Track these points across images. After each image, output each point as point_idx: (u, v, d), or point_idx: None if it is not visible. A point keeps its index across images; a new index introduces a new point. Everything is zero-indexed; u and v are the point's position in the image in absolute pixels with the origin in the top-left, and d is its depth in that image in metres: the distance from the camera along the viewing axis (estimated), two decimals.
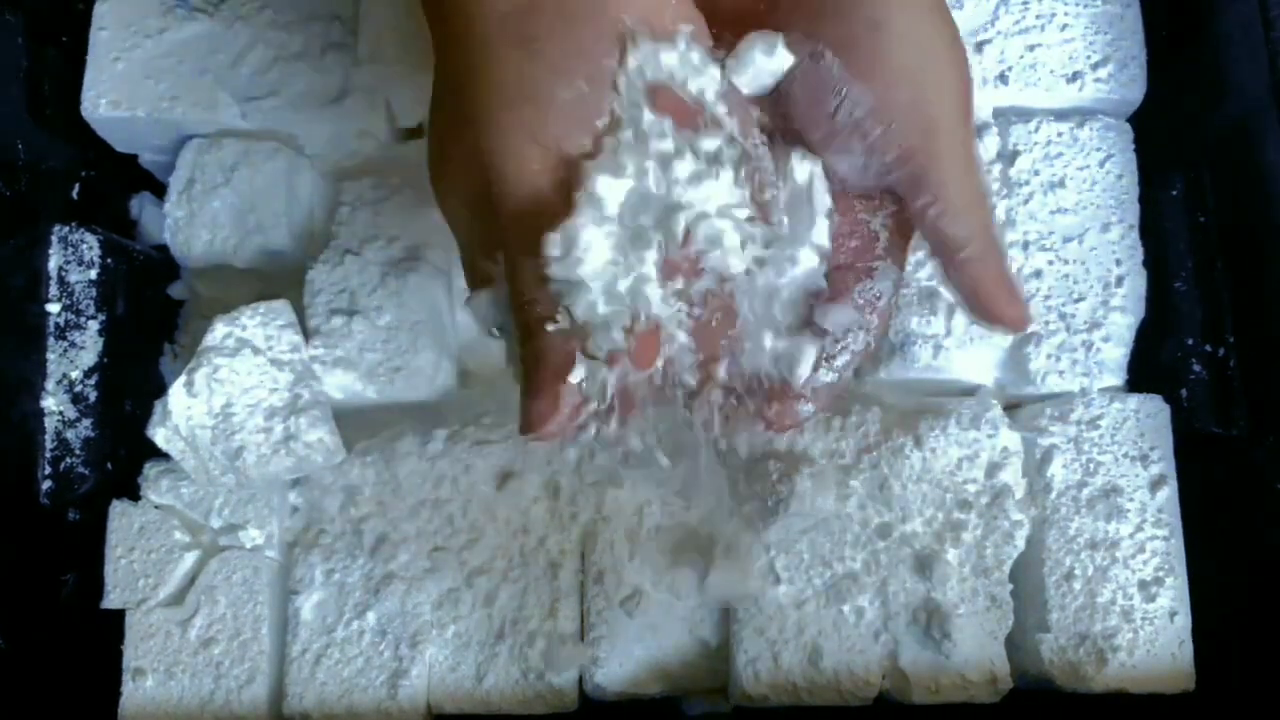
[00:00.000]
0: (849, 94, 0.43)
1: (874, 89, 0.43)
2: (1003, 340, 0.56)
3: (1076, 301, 0.56)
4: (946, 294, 0.55)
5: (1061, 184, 0.57)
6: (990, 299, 0.45)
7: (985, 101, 0.58)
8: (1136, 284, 0.56)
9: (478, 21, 0.41)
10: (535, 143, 0.40)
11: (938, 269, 0.47)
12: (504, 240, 0.41)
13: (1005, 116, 0.58)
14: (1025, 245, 0.57)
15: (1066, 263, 0.56)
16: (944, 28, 0.45)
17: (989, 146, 0.58)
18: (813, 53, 0.43)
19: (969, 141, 0.45)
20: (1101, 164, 0.57)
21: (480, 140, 0.40)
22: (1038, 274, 0.56)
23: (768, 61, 0.43)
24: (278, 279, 0.61)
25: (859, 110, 0.43)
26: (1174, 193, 0.58)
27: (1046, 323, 0.56)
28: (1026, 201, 0.57)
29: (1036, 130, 0.58)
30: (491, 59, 0.40)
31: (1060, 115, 0.58)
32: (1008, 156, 0.58)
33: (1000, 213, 0.57)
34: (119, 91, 0.60)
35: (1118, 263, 0.56)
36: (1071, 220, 0.57)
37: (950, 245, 0.45)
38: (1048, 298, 0.56)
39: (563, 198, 0.39)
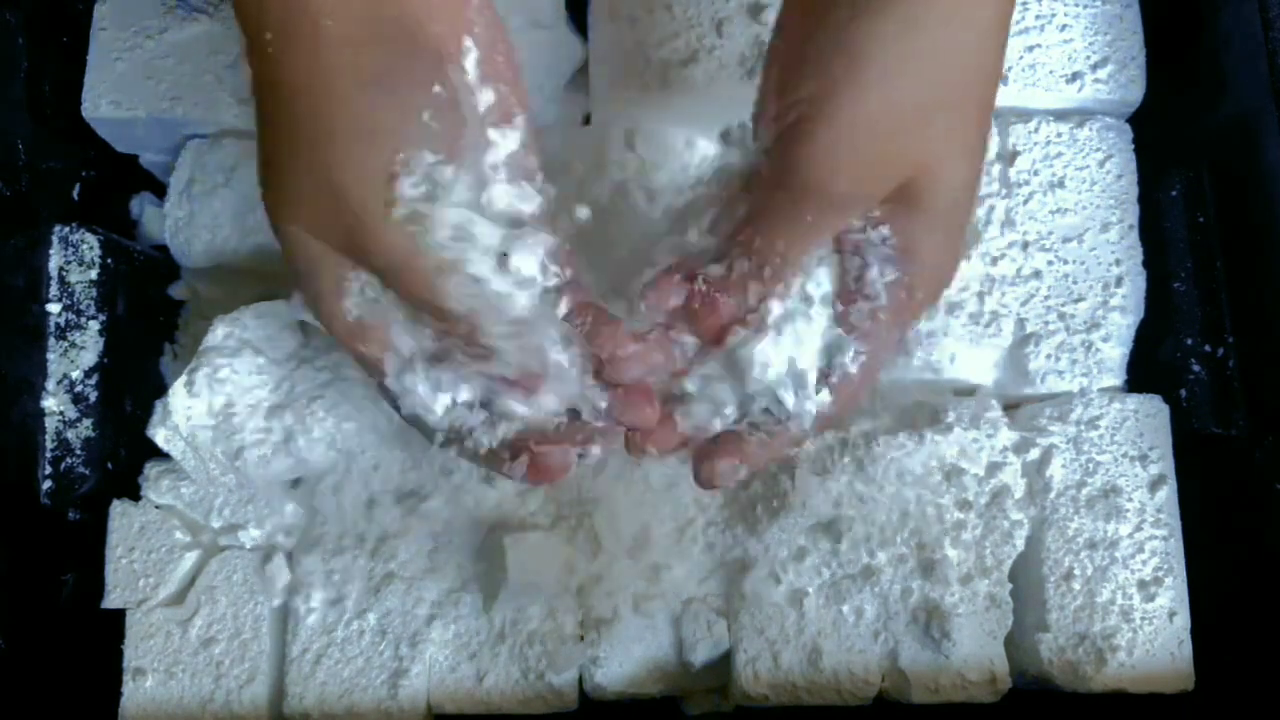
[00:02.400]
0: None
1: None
2: (1003, 340, 0.56)
3: (1076, 302, 0.56)
4: (945, 294, 0.55)
5: (1061, 184, 0.57)
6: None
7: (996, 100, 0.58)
8: (1136, 284, 0.57)
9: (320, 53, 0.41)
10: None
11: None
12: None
13: (1005, 116, 0.58)
14: (1025, 245, 0.57)
15: (1066, 263, 0.56)
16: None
17: (989, 146, 0.57)
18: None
19: (872, 159, 0.43)
20: (1101, 164, 0.58)
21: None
22: (1037, 274, 0.56)
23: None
24: (277, 279, 0.61)
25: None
26: (1174, 193, 0.58)
27: (1046, 323, 0.56)
28: (1026, 201, 0.57)
29: (1036, 130, 0.58)
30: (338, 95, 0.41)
31: (1060, 115, 0.58)
32: (1007, 156, 0.58)
33: (1000, 212, 0.57)
34: (119, 92, 0.60)
35: (1117, 263, 0.56)
36: (1071, 220, 0.57)
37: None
38: (1047, 298, 0.56)
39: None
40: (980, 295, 0.56)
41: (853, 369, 0.46)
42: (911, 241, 0.44)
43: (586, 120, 0.61)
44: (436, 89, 0.41)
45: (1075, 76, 0.58)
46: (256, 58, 0.42)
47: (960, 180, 0.44)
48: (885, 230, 0.44)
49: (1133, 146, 0.58)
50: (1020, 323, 0.56)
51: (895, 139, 0.42)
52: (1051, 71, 0.58)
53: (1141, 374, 0.57)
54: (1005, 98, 0.58)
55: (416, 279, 0.42)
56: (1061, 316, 0.56)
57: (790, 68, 0.43)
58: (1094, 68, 0.58)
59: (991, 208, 0.57)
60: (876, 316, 0.45)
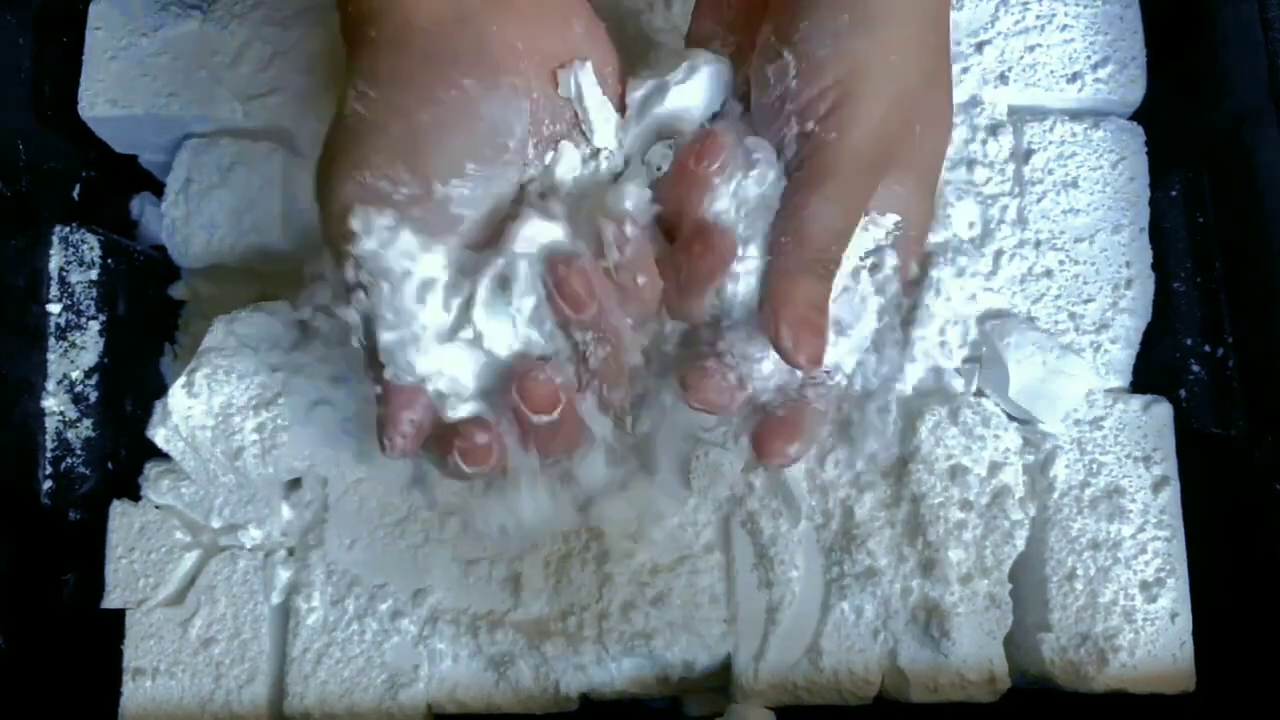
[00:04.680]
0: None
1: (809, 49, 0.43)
2: None
3: (1086, 302, 0.56)
4: None
5: (1074, 184, 0.57)
6: (793, 311, 0.43)
7: (999, 99, 0.58)
8: (1145, 286, 0.57)
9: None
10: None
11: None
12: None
13: (1020, 115, 0.58)
14: (1037, 244, 0.57)
15: (1077, 263, 0.56)
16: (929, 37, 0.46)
17: (1003, 144, 0.57)
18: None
19: (899, 135, 0.44)
20: (1114, 165, 0.58)
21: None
22: (1048, 273, 0.56)
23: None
24: (277, 279, 0.61)
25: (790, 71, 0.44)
26: (1173, 193, 0.58)
27: (1056, 322, 0.56)
28: (1039, 200, 0.57)
29: (1051, 130, 0.58)
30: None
31: (1074, 115, 0.58)
32: (1021, 155, 0.58)
33: (1013, 211, 0.57)
34: (116, 90, 0.60)
35: (1127, 264, 0.57)
36: (1083, 221, 0.57)
37: (797, 230, 0.44)
38: (1058, 297, 0.56)
39: None
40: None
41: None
42: (910, 197, 0.47)
43: None
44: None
45: (1075, 76, 0.58)
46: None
47: (945, 141, 0.49)
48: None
49: (1145, 149, 0.58)
50: (1029, 321, 0.56)
51: (915, 105, 0.45)
52: (1052, 71, 0.58)
53: (1141, 374, 0.57)
54: (1008, 97, 0.58)
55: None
56: (1071, 316, 0.56)
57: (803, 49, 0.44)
58: (1094, 67, 0.58)
59: (1005, 206, 0.57)
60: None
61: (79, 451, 0.56)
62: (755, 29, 0.47)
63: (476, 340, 0.44)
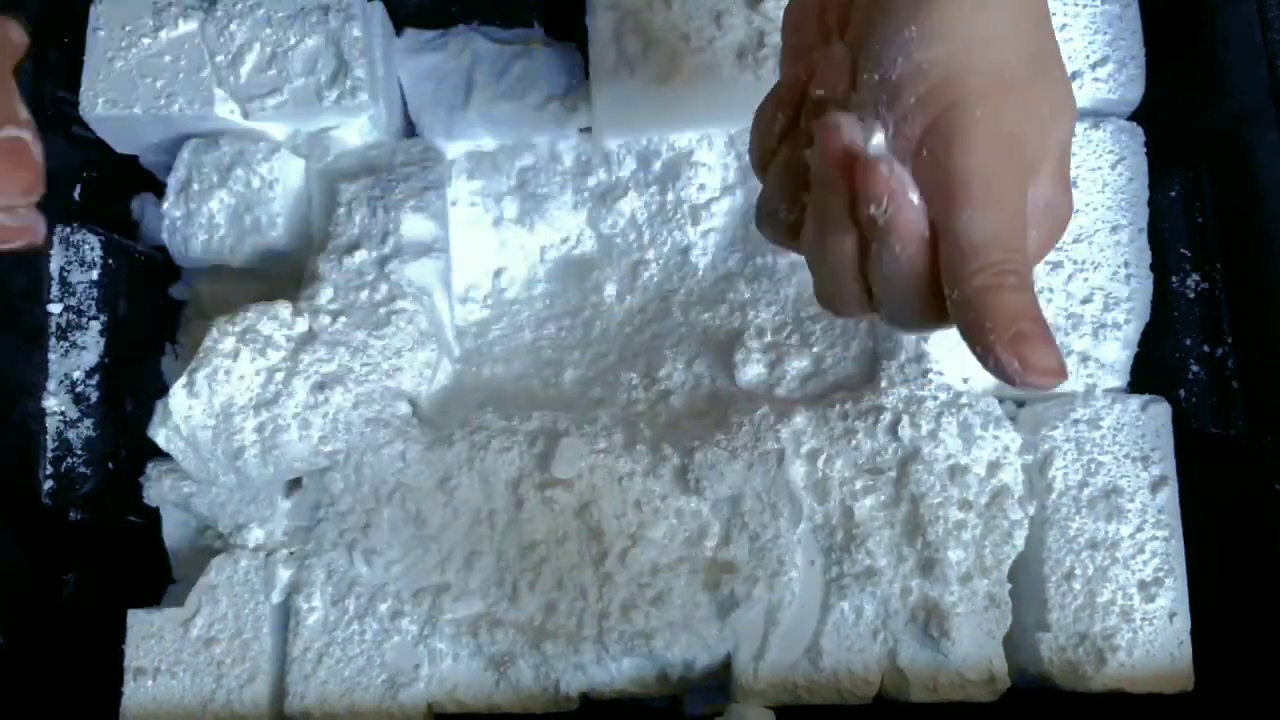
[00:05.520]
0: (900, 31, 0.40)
1: (919, 27, 0.40)
2: None
3: (1084, 302, 0.56)
4: None
5: (1074, 184, 0.57)
6: (1000, 331, 0.38)
7: None
8: (1144, 287, 0.57)
9: None
10: None
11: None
12: None
13: None
14: None
15: (1076, 263, 0.57)
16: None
17: None
18: None
19: (1024, 128, 0.41)
20: (1113, 166, 0.58)
21: None
22: (1048, 273, 0.56)
23: None
24: (277, 279, 0.61)
25: (902, 56, 0.40)
26: (1173, 193, 0.58)
27: (1055, 322, 0.56)
28: None
29: None
30: None
31: None
32: None
33: None
34: (116, 91, 0.60)
35: (1126, 264, 0.57)
36: (1083, 221, 0.57)
37: (960, 250, 0.39)
38: (1057, 297, 0.56)
39: None
40: None
41: None
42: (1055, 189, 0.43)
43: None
44: None
45: (1075, 76, 0.58)
46: None
47: (1073, 127, 0.44)
48: None
49: (1144, 150, 0.58)
50: None
51: (1030, 95, 0.41)
52: None
53: (1140, 374, 0.57)
54: None
55: None
56: (1070, 316, 0.56)
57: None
58: (1093, 67, 0.58)
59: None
60: None
61: (80, 451, 0.56)
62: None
63: None
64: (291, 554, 0.56)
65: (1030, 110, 0.41)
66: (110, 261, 0.57)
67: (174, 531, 0.60)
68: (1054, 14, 0.58)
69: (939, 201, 0.40)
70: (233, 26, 0.60)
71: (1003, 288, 0.39)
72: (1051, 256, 0.56)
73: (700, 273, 0.61)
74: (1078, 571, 0.53)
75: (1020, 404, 0.57)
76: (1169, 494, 0.54)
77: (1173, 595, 0.53)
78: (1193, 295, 0.57)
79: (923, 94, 0.40)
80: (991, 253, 0.39)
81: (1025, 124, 0.41)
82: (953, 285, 0.39)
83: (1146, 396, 0.56)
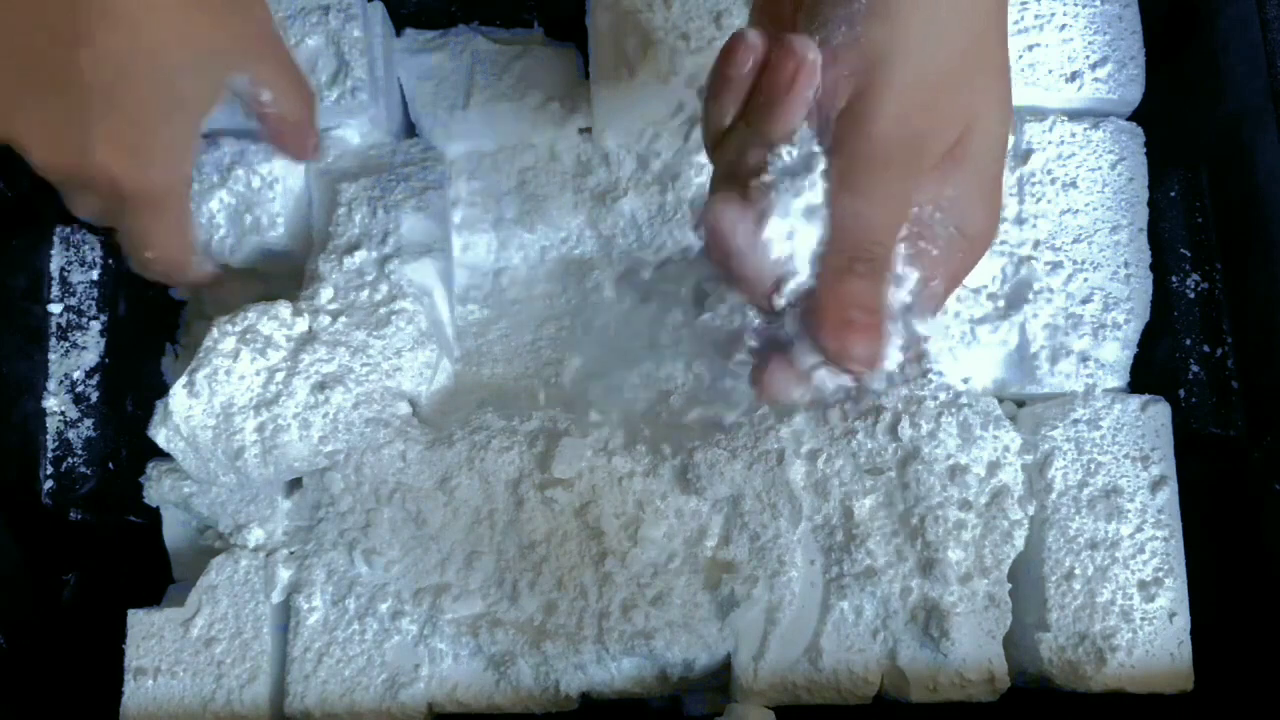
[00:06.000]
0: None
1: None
2: (1008, 339, 0.56)
3: (1084, 302, 0.56)
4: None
5: (1074, 184, 0.57)
6: (831, 313, 0.41)
7: None
8: (1143, 287, 0.57)
9: None
10: None
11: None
12: None
13: (1019, 115, 0.58)
14: (1036, 244, 0.57)
15: (1076, 263, 0.57)
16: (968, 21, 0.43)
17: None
18: None
19: (932, 128, 0.42)
20: (1113, 166, 0.58)
21: None
22: (1047, 273, 0.56)
23: None
24: (277, 279, 0.61)
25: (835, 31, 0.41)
26: (1173, 193, 0.58)
27: (1053, 323, 0.56)
28: (1038, 200, 0.57)
29: (1051, 130, 0.58)
30: None
31: (1074, 115, 0.58)
32: (1020, 155, 0.58)
33: (1011, 210, 0.57)
34: None
35: (1125, 264, 0.57)
36: (1082, 221, 0.57)
37: (829, 229, 0.42)
38: (1057, 298, 0.56)
39: None
40: (987, 294, 0.57)
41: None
42: (963, 197, 0.44)
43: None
44: None
45: (1074, 76, 0.58)
46: None
47: (1002, 135, 0.45)
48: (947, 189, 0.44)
49: (1144, 150, 0.58)
50: (1027, 322, 0.56)
51: (951, 95, 0.42)
52: (1051, 71, 0.58)
53: (1140, 374, 0.57)
54: (1015, 97, 0.58)
55: None
56: (1069, 317, 0.56)
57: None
58: (1093, 67, 0.58)
59: (1004, 206, 0.57)
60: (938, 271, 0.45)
61: (80, 451, 0.56)
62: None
63: None
64: (292, 554, 0.56)
65: (945, 111, 0.42)
66: (111, 261, 0.57)
67: (174, 531, 0.59)
68: (1054, 14, 0.58)
69: (833, 178, 0.42)
70: None
71: (849, 273, 0.41)
72: (1051, 257, 0.57)
73: (700, 272, 0.61)
74: (1077, 571, 0.53)
75: (1020, 404, 0.57)
76: (1169, 494, 0.54)
77: (1172, 595, 0.53)
78: (1192, 295, 0.57)
79: (853, 68, 0.41)
80: (850, 237, 0.41)
81: (938, 123, 0.42)
82: (824, 255, 0.42)
83: (1146, 396, 0.56)
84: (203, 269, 0.57)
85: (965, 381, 0.56)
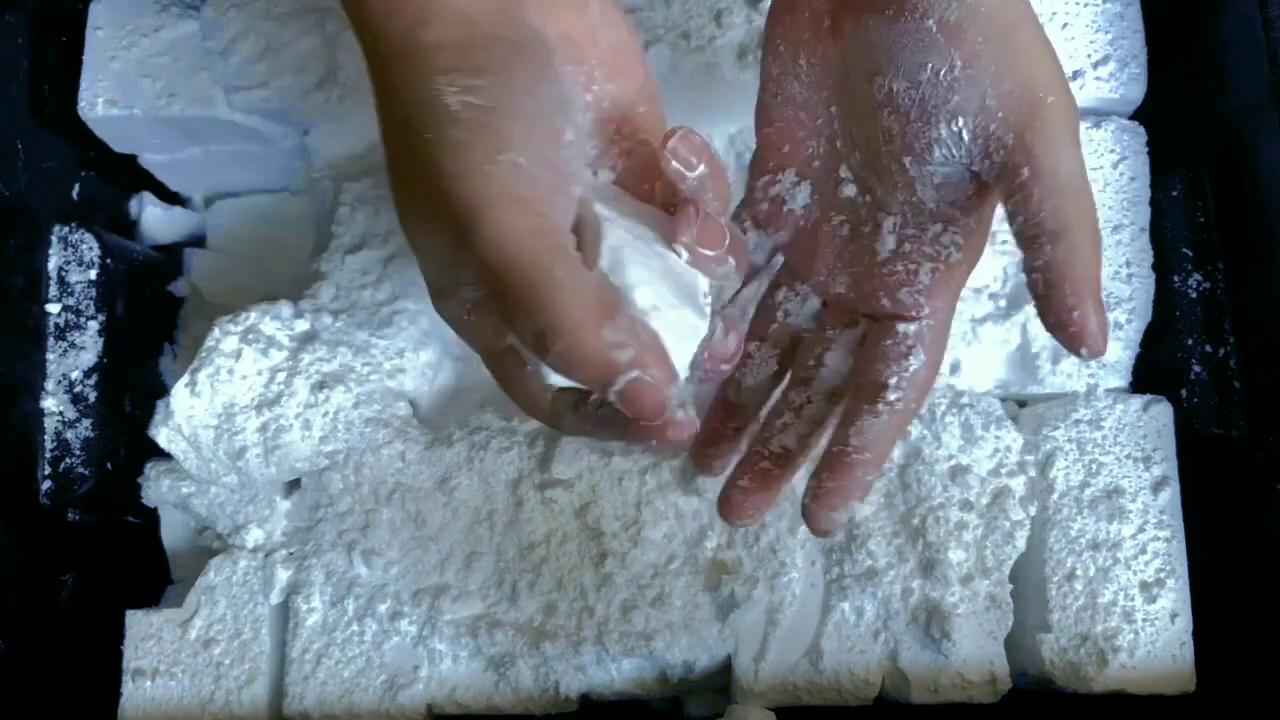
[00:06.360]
0: (940, 55, 0.41)
1: (962, 50, 0.41)
2: (1010, 339, 0.56)
3: None
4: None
5: None
6: (1074, 300, 0.39)
7: None
8: (1146, 287, 0.56)
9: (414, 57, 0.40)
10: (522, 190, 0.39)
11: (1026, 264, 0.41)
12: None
13: None
14: None
15: None
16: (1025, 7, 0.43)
17: None
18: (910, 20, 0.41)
19: (1073, 117, 0.42)
20: (1115, 165, 0.58)
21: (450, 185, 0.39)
22: None
23: None
24: (278, 279, 0.61)
25: (952, 72, 0.41)
26: (1174, 193, 0.58)
27: None
28: None
29: None
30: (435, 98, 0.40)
31: None
32: None
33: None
34: (115, 90, 0.60)
35: (1127, 264, 0.56)
36: None
37: (1044, 231, 0.40)
38: None
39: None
40: (989, 293, 0.56)
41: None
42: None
43: None
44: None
45: (1076, 74, 0.58)
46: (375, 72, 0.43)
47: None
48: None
49: (1146, 149, 0.58)
50: (1029, 322, 0.56)
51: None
52: None
53: (1142, 374, 0.57)
54: None
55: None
56: None
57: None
58: (1095, 66, 0.58)
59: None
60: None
61: (78, 452, 0.56)
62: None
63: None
64: (290, 555, 0.56)
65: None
66: (109, 261, 0.57)
67: (173, 532, 0.59)
68: (1056, 13, 0.58)
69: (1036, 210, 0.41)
70: (230, 14, 0.60)
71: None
72: None
73: None
74: (1079, 572, 0.53)
75: (1021, 404, 0.57)
76: (1171, 494, 0.54)
77: (1174, 596, 0.53)
78: (1194, 295, 0.56)
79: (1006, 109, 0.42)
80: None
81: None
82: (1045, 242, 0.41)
83: (1148, 397, 0.56)
84: None
85: (959, 378, 0.56)
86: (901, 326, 0.44)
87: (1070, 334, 0.40)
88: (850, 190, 0.46)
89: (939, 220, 0.44)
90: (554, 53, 0.41)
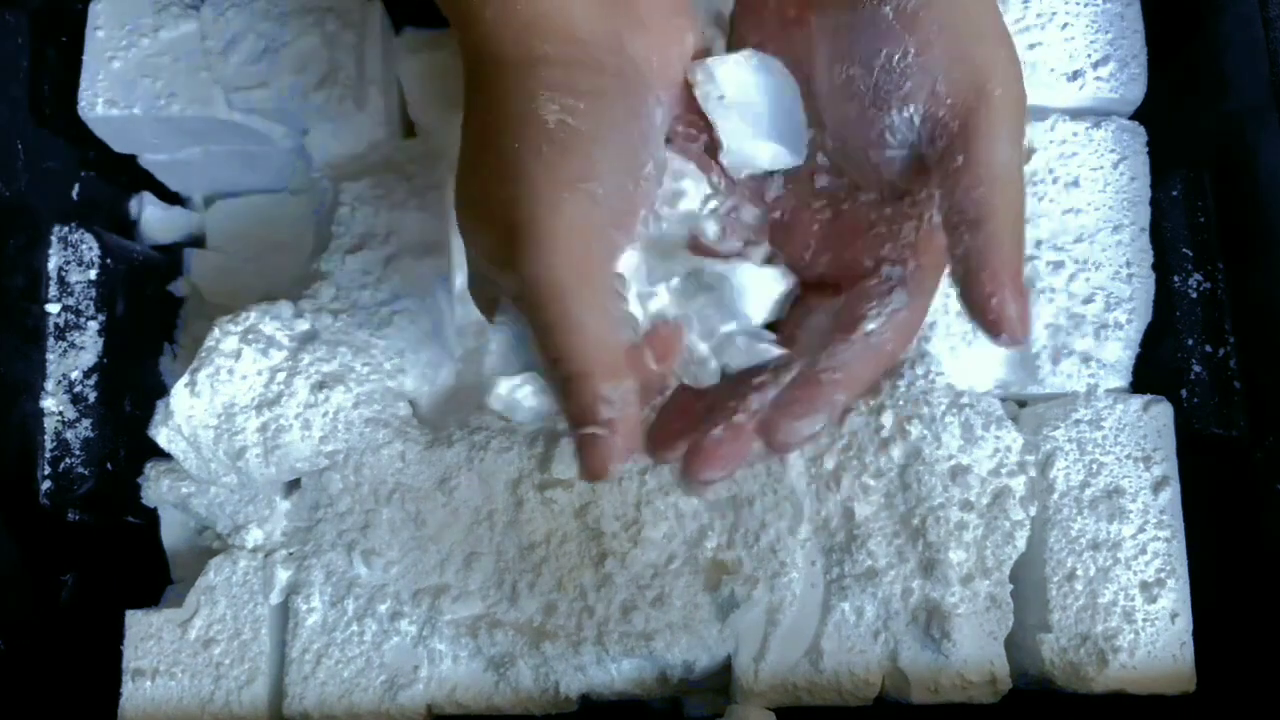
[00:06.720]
0: (895, 42, 0.41)
1: (917, 37, 0.41)
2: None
3: (1085, 303, 0.56)
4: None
5: (1075, 183, 0.57)
6: (991, 288, 0.39)
7: None
8: (1146, 286, 0.56)
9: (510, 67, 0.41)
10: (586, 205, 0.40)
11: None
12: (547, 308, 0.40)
13: None
14: (1037, 243, 0.56)
15: (1078, 262, 0.56)
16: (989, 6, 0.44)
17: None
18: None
19: (1019, 110, 0.42)
20: (1115, 165, 0.57)
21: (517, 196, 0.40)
22: (1049, 273, 0.56)
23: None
24: (278, 279, 0.61)
25: (905, 59, 0.41)
26: (1174, 193, 0.58)
27: (1055, 322, 0.56)
28: (1040, 200, 0.57)
29: (1053, 129, 0.58)
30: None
31: (1075, 114, 0.58)
32: (1023, 154, 0.57)
33: None
34: (115, 91, 0.60)
35: (1127, 264, 0.56)
36: (1084, 220, 0.57)
37: (966, 219, 0.40)
38: (1059, 297, 0.56)
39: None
40: None
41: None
42: None
43: None
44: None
45: (1076, 74, 0.58)
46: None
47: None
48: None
49: (1146, 149, 0.58)
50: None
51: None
52: (1052, 69, 0.58)
53: (1142, 374, 0.57)
54: None
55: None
56: (1071, 316, 0.56)
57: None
58: (1095, 66, 0.58)
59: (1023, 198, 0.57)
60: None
61: (78, 452, 0.55)
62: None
63: None
64: (290, 555, 0.56)
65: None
66: (109, 261, 0.57)
67: (172, 532, 0.59)
68: (1055, 13, 0.58)
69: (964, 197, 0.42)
70: (230, 13, 0.60)
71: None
72: (1053, 256, 0.56)
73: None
74: (1079, 572, 0.53)
75: (1022, 404, 0.57)
76: (1171, 494, 0.54)
77: (1175, 596, 0.53)
78: (1195, 295, 0.56)
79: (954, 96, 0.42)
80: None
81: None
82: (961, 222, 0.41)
83: (1148, 397, 0.56)
84: None
85: (966, 381, 0.56)
86: (885, 269, 0.44)
87: (989, 321, 0.39)
88: (825, 179, 0.47)
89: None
90: (650, 89, 0.43)
